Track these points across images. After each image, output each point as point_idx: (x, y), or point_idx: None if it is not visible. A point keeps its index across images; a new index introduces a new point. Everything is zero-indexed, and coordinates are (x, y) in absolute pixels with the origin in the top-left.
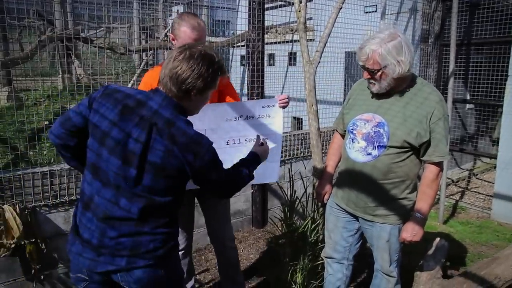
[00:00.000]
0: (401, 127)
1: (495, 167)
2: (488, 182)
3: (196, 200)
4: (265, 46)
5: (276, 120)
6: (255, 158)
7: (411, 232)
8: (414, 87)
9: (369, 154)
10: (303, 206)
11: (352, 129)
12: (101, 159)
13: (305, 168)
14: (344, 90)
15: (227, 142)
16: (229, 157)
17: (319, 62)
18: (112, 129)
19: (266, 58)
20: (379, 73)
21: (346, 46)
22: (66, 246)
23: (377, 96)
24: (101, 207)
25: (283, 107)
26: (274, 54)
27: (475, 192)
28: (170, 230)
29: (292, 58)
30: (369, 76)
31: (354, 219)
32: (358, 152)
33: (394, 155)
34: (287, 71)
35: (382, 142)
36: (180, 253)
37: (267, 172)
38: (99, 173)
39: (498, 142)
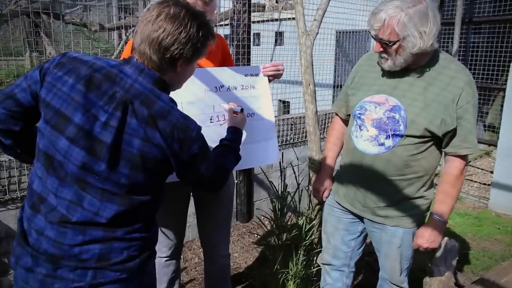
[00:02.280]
0: (423, 113)
1: (486, 153)
2: (482, 169)
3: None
4: (251, 26)
5: (263, 92)
6: (237, 134)
7: (428, 238)
8: (437, 64)
9: (382, 144)
10: (294, 202)
11: (359, 113)
12: (57, 149)
13: (296, 156)
14: (335, 72)
15: (211, 119)
16: (216, 137)
17: (318, 33)
18: (73, 111)
19: (251, 36)
20: (395, 46)
21: (337, 24)
22: (11, 259)
23: (390, 74)
24: (59, 209)
25: (274, 77)
26: (260, 33)
27: (469, 180)
28: (148, 235)
29: (279, 37)
30: (381, 49)
31: (358, 220)
32: (368, 142)
33: (412, 146)
34: (273, 51)
35: (397, 130)
36: (164, 260)
37: (264, 152)
38: (55, 166)
39: (491, 127)
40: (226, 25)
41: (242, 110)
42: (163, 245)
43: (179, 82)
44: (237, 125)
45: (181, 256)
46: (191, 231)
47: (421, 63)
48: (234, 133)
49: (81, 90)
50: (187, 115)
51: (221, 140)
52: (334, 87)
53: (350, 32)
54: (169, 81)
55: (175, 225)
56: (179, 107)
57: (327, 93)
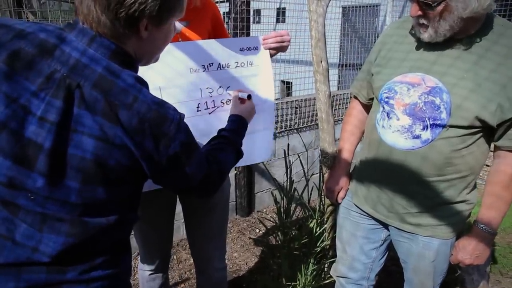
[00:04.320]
0: (472, 96)
1: None
2: None
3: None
4: (250, 4)
5: (263, 70)
6: (240, 125)
7: (472, 252)
8: (491, 32)
9: (417, 137)
10: (302, 199)
11: (387, 97)
12: None
13: (303, 143)
14: (340, 52)
15: (198, 108)
16: (207, 129)
17: None
18: None
19: (251, 12)
20: (439, 8)
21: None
22: None
23: (428, 45)
24: None
25: (277, 50)
26: (260, 10)
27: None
28: (116, 270)
29: (281, 14)
30: (419, 13)
31: (381, 227)
32: (398, 134)
33: (457, 138)
34: (275, 29)
35: (438, 118)
36: (148, 273)
37: (260, 146)
38: None
39: None
40: (222, 1)
41: (249, 97)
42: (146, 259)
43: (150, 53)
44: (242, 114)
45: (174, 257)
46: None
47: (470, 31)
48: (237, 123)
49: (2, 70)
50: (162, 100)
51: (219, 131)
52: (339, 66)
53: (356, 7)
54: (135, 53)
55: (159, 237)
56: (156, 94)
57: (331, 73)
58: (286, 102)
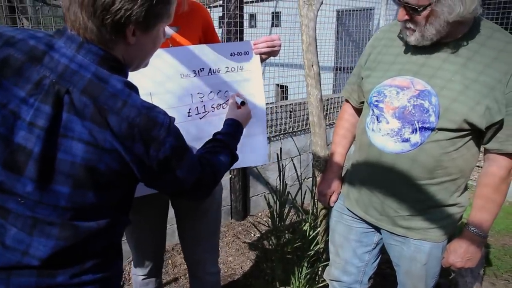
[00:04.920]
0: (461, 98)
1: None
2: None
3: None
4: (245, 8)
5: (254, 74)
6: (236, 129)
7: (463, 255)
8: (479, 34)
9: (406, 140)
10: (296, 203)
11: (377, 101)
12: None
13: (297, 147)
14: (335, 55)
15: (189, 113)
16: (195, 135)
17: (322, 2)
18: None
19: (246, 17)
20: (425, 12)
21: (337, 2)
22: None
23: (416, 48)
24: None
25: (268, 54)
26: (255, 14)
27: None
28: (107, 274)
29: (275, 18)
30: (406, 17)
31: (373, 230)
32: (388, 137)
33: (446, 142)
34: (270, 33)
35: (427, 121)
36: (141, 278)
37: (252, 150)
38: None
39: None
40: (215, 6)
41: (243, 103)
42: (139, 264)
43: (139, 58)
44: (239, 119)
45: (169, 261)
46: (178, 232)
47: (458, 35)
48: (233, 127)
49: None
50: (152, 104)
51: (215, 134)
52: (334, 69)
53: (351, 11)
54: (123, 58)
55: (152, 242)
56: (147, 99)
57: (326, 76)
58: (281, 106)
